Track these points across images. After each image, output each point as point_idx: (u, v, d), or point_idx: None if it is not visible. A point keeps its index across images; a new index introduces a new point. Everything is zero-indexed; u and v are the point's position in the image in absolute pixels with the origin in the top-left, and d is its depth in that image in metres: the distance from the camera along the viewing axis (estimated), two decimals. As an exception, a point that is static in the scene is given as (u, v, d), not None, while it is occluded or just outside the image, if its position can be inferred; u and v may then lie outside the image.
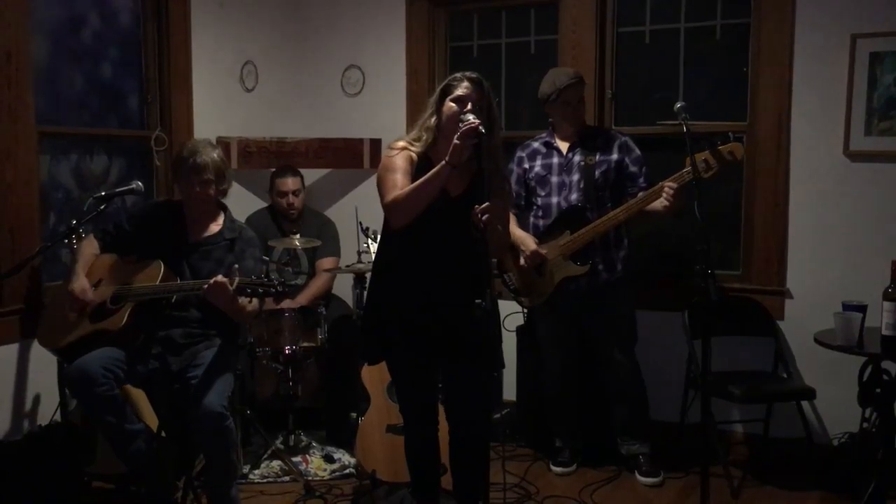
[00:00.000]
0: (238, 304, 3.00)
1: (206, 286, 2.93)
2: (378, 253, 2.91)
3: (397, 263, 2.81)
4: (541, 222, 3.78)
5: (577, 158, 3.74)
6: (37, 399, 3.63)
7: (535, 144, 3.85)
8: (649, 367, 3.85)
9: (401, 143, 2.80)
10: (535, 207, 3.82)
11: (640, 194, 3.60)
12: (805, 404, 3.78)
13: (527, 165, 3.84)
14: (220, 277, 2.91)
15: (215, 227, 3.24)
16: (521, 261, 3.69)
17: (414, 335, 2.78)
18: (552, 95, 3.72)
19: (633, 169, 3.71)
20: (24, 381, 3.58)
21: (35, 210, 3.64)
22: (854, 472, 3.49)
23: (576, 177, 3.72)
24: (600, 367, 3.82)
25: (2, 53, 3.45)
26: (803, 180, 3.93)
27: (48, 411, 3.57)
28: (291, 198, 4.35)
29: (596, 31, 4.26)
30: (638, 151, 3.74)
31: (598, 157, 3.72)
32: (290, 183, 4.36)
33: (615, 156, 3.72)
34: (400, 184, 2.69)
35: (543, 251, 3.68)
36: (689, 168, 3.34)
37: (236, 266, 2.97)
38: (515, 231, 3.68)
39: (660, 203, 3.47)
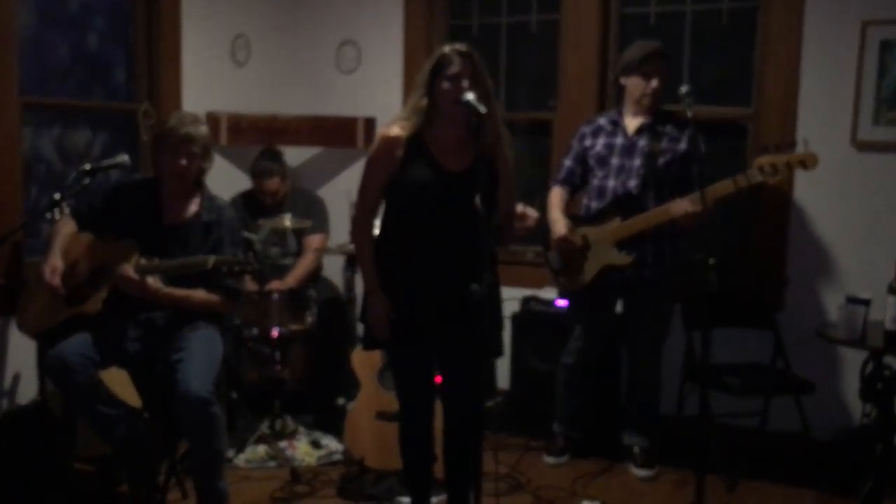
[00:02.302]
0: (166, 294, 2.94)
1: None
2: (379, 234, 2.82)
3: (397, 244, 2.74)
4: (593, 204, 3.63)
5: (641, 143, 3.56)
6: (16, 378, 3.54)
7: (601, 121, 3.68)
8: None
9: (395, 130, 2.70)
10: (590, 188, 3.67)
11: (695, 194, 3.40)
12: (803, 398, 3.71)
13: (588, 143, 3.67)
14: (128, 270, 2.85)
15: (192, 208, 3.09)
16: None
17: (413, 320, 2.71)
18: (635, 63, 3.51)
19: (695, 168, 3.47)
20: (2, 359, 3.50)
21: (17, 183, 3.56)
22: (852, 469, 3.44)
23: (637, 162, 3.55)
24: (628, 355, 3.75)
25: (-16, 20, 3.35)
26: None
27: (27, 390, 3.49)
28: (269, 198, 4.20)
29: (600, 12, 4.16)
30: (703, 149, 3.47)
31: (664, 144, 3.54)
32: (267, 184, 4.17)
33: (682, 146, 3.53)
34: (371, 196, 2.75)
35: (576, 237, 3.55)
36: (754, 171, 3.29)
37: (157, 259, 2.90)
38: (553, 212, 3.58)
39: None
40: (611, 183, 3.59)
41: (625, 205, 3.53)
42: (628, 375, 3.77)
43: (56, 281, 2.97)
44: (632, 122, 3.61)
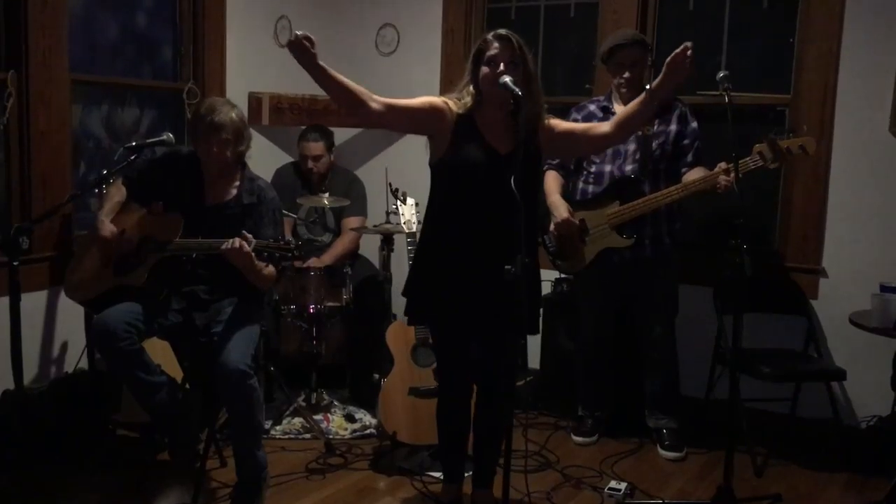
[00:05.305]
0: (255, 267, 2.95)
1: (223, 247, 2.87)
2: (427, 211, 2.87)
3: (444, 222, 2.79)
4: (591, 188, 3.69)
5: None
6: (64, 346, 3.66)
7: (592, 107, 3.73)
8: (676, 341, 3.79)
9: (447, 97, 2.79)
10: (586, 173, 3.73)
11: (693, 175, 3.50)
12: (834, 385, 3.71)
13: None
14: (236, 242, 2.85)
15: (233, 190, 3.14)
16: (552, 227, 3.63)
17: (458, 297, 2.76)
18: (604, 55, 3.62)
19: (685, 142, 3.59)
20: (52, 327, 3.62)
21: (67, 158, 3.66)
22: (882, 456, 3.44)
23: (631, 146, 3.61)
24: (638, 338, 3.77)
25: (37, -1, 3.45)
26: (846, 157, 3.82)
27: (75, 359, 3.61)
28: (311, 163, 4.28)
29: (639, -4, 4.16)
30: (695, 124, 3.61)
31: (656, 126, 3.59)
32: (312, 147, 4.28)
33: (674, 126, 3.60)
34: (392, 102, 2.72)
35: (576, 220, 3.60)
36: (754, 156, 3.31)
37: (244, 232, 2.88)
38: (552, 196, 3.62)
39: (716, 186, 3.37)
40: (608, 168, 3.64)
41: (624, 189, 3.58)
42: (644, 357, 3.77)
43: (116, 237, 3.05)
44: (620, 108, 3.63)
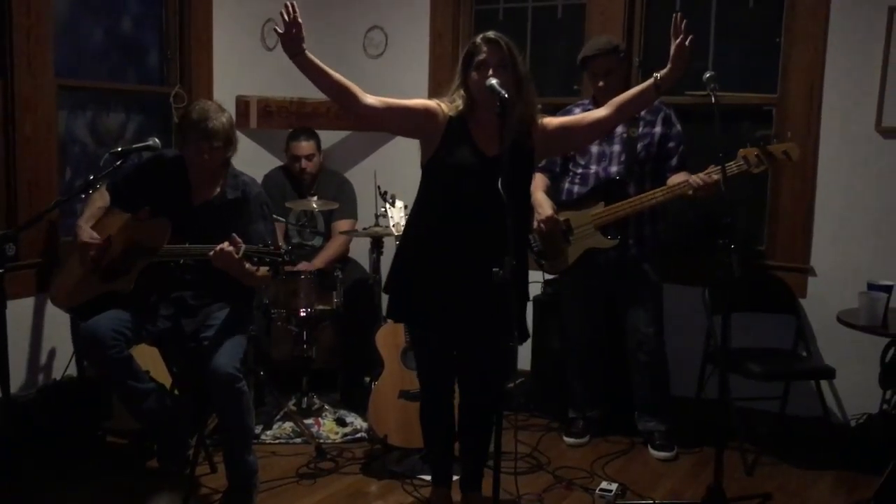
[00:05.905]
0: (247, 270, 2.94)
1: (211, 253, 2.86)
2: (412, 211, 2.87)
3: (430, 222, 2.78)
4: (576, 188, 3.71)
5: (618, 129, 3.61)
6: (52, 353, 3.64)
7: (576, 111, 3.72)
8: (666, 341, 3.80)
9: (440, 100, 2.79)
10: (571, 174, 3.75)
11: (677, 178, 3.51)
12: (824, 384, 3.73)
13: None
14: (225, 245, 2.84)
15: (217, 188, 3.13)
16: (535, 224, 3.63)
17: (439, 298, 2.75)
18: (579, 63, 3.64)
19: (670, 145, 3.61)
20: (39, 334, 3.60)
21: (53, 164, 3.64)
22: (871, 454, 3.45)
23: (616, 148, 3.63)
24: (625, 339, 3.77)
25: (22, 4, 3.42)
26: (833, 156, 3.83)
27: (63, 365, 3.59)
28: (304, 162, 4.28)
29: (626, -3, 4.16)
30: (679, 127, 3.63)
31: (640, 129, 3.61)
32: (303, 147, 4.28)
33: (658, 129, 3.61)
34: (387, 100, 2.74)
35: (560, 218, 3.62)
36: (739, 160, 3.33)
37: (234, 235, 2.86)
38: (536, 194, 3.63)
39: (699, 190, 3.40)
40: (593, 169, 3.66)
41: (609, 190, 3.60)
42: (631, 359, 3.76)
43: (98, 241, 3.04)
44: None
